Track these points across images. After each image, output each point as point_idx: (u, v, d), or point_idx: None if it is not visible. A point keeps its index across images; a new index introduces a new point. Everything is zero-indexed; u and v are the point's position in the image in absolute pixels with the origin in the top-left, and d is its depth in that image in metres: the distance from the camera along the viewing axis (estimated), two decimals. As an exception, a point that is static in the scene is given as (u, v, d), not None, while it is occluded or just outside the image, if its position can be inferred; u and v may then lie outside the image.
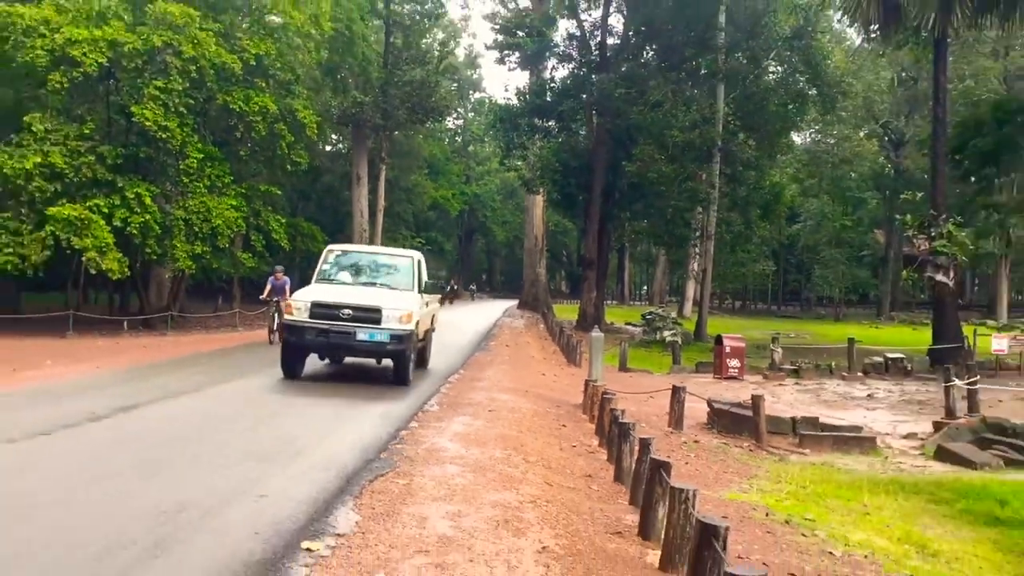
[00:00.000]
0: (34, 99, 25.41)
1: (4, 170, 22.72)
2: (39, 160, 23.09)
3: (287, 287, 22.96)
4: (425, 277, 16.21)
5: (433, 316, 18.01)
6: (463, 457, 8.97)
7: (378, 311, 13.64)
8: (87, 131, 24.71)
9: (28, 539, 5.71)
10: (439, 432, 10.41)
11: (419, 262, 16.15)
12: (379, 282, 15.27)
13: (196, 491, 7.04)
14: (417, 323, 14.40)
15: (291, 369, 14.68)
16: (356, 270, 15.69)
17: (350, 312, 13.64)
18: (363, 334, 13.62)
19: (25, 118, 23.99)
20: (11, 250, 22.61)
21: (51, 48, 23.39)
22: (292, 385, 14.09)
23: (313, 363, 16.15)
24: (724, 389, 20.46)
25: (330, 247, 16.29)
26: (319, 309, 13.73)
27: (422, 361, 17.23)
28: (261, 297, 24.20)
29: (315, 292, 14.36)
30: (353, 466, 8.35)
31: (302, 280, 26.22)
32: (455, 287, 65.96)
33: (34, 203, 23.32)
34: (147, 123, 24.32)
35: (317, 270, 15.53)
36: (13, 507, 6.43)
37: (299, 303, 13.96)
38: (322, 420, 10.88)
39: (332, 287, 14.81)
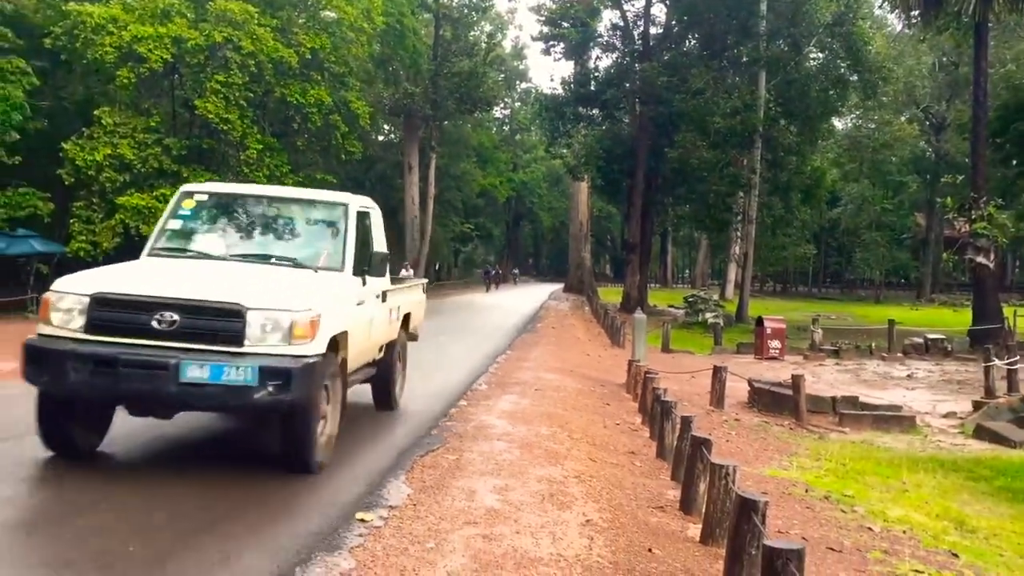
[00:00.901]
0: (103, 94, 25.90)
1: (76, 161, 23.24)
2: (109, 152, 23.57)
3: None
4: (379, 245, 8.83)
5: (406, 318, 10.42)
6: (510, 434, 9.01)
7: (234, 314, 6.36)
8: (153, 124, 25.15)
9: None
10: (487, 410, 10.46)
11: (359, 216, 8.33)
12: (275, 255, 7.76)
13: (250, 459, 7.15)
14: (340, 339, 7.16)
15: (57, 440, 6.86)
16: (237, 230, 8.14)
17: (173, 318, 6.30)
18: (196, 368, 6.17)
19: (95, 112, 24.49)
20: (84, 237, 23.17)
21: (119, 45, 23.80)
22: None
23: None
24: (765, 369, 20.27)
25: (185, 188, 8.39)
26: (106, 313, 6.36)
27: (384, 397, 9.89)
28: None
29: (111, 276, 6.91)
30: (405, 442, 8.43)
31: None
32: (499, 272, 65.86)
33: (105, 193, 23.82)
34: (209, 116, 24.68)
35: (156, 230, 8.08)
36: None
37: (64, 298, 6.48)
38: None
39: (164, 265, 7.43)
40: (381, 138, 57.69)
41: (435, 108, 45.45)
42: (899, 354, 25.34)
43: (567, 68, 78.00)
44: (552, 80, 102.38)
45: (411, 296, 10.99)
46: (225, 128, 25.07)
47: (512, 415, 10.19)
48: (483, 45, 49.95)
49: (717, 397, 14.05)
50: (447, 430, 9.05)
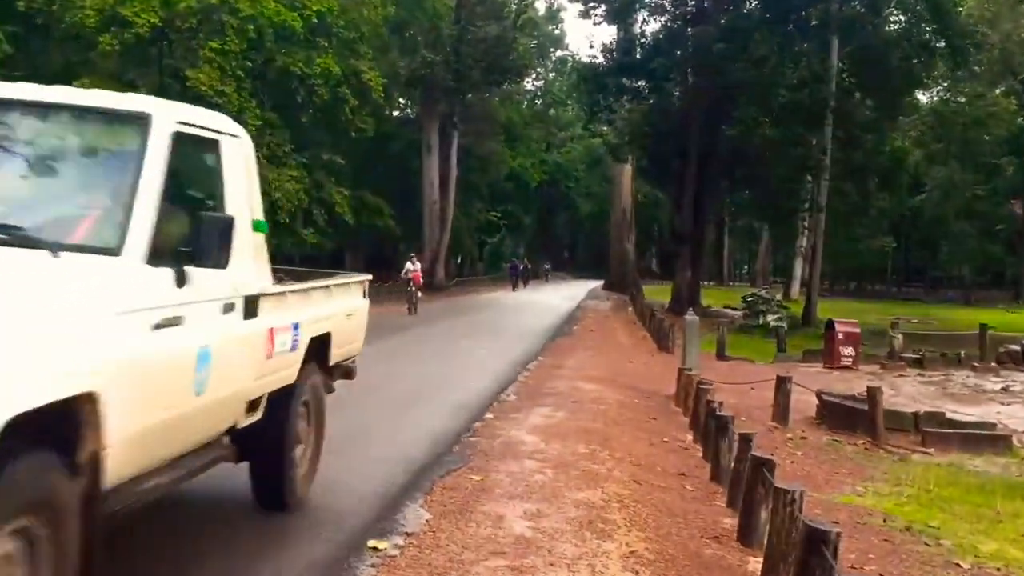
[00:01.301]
0: (84, 63, 26.15)
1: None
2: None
3: (418, 264, 29.70)
4: (237, 206, 5.38)
5: (319, 344, 6.71)
6: (543, 452, 9.01)
7: None
8: (139, 97, 25.40)
9: None
10: (516, 424, 10.47)
11: (179, 143, 4.60)
12: None
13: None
14: (80, 417, 3.70)
15: None
16: None
17: None
18: None
19: (74, 84, 24.72)
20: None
21: (101, 8, 24.04)
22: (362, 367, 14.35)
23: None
24: (836, 380, 20.12)
25: None
26: None
27: (269, 488, 6.24)
28: (402, 275, 29.69)
29: None
30: (423, 459, 8.46)
31: (368, 264, 26.90)
32: (527, 267, 65.71)
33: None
34: (202, 88, 24.87)
35: None
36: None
37: None
38: (388, 408, 11.04)
39: None
40: (396, 114, 57.92)
41: (458, 79, 45.55)
42: (992, 364, 25.03)
43: (609, 33, 77.94)
44: (592, 47, 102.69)
45: (330, 304, 7.05)
46: (220, 102, 25.24)
47: (545, 430, 10.19)
48: (513, 7, 50.03)
49: (781, 412, 13.96)
50: (471, 447, 9.06)
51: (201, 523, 6.15)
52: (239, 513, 6.31)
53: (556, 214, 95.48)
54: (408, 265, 29.74)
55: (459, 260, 79.81)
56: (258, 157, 21.96)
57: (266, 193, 26.48)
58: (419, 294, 29.22)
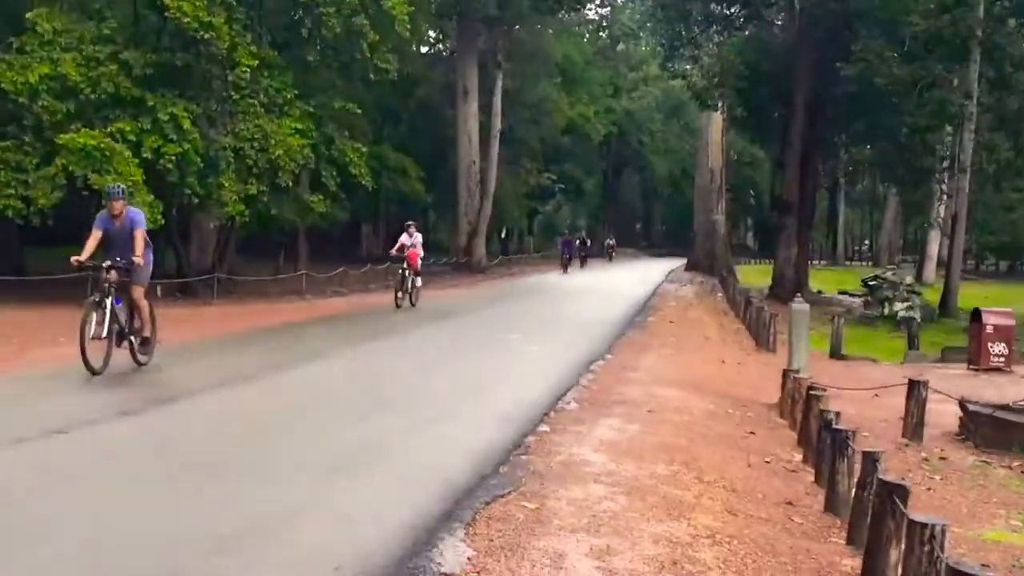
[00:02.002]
0: (43, -9, 26.37)
1: (2, 84, 23.70)
2: (46, 71, 24.05)
3: (418, 241, 26.94)
4: None
5: None
6: (612, 473, 9.01)
7: None
8: (107, 31, 25.61)
9: None
10: (579, 439, 10.48)
11: None
12: None
13: (258, 507, 7.29)
14: None
15: None
16: None
17: None
18: None
19: (28, 15, 24.94)
20: (12, 191, 23.63)
21: (61, -78, 24.28)
22: (384, 371, 14.45)
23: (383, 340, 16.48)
24: (984, 385, 19.86)
25: None
26: None
27: None
28: (392, 252, 27.48)
29: None
30: (463, 481, 8.49)
31: (389, 236, 27.14)
32: (586, 242, 65.40)
33: (41, 128, 24.31)
34: (185, 20, 25.04)
35: None
36: (20, 531, 6.78)
37: None
38: (414, 419, 11.11)
39: None
40: (426, 50, 58.11)
41: (501, 6, 45.55)
42: None
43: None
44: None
45: None
46: (207, 37, 25.44)
47: (615, 447, 10.20)
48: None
49: (913, 425, 13.82)
50: (523, 467, 9.08)
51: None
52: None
53: (625, 176, 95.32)
54: (403, 238, 27.15)
55: (503, 234, 79.98)
56: (253, 104, 21.89)
57: (263, 150, 26.72)
58: (417, 280, 27.17)
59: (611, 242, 78.49)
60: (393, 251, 27.44)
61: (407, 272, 26.58)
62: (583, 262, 59.59)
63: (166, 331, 19.88)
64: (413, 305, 26.51)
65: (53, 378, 12.99)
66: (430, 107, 56.27)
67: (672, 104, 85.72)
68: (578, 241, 61.91)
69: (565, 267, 54.26)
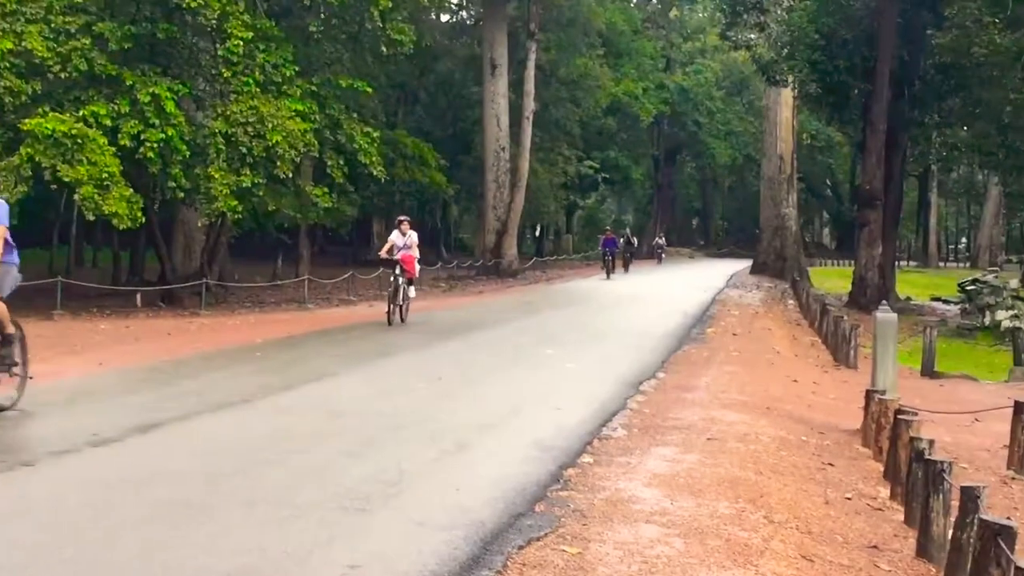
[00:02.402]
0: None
1: (-42, 62, 23.87)
2: (9, 46, 24.21)
3: (412, 241, 25.57)
4: None
5: None
6: (666, 512, 8.97)
7: None
8: (79, 0, 25.71)
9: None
10: (627, 471, 10.44)
11: None
12: None
13: (248, 556, 7.28)
14: None
15: None
16: None
17: None
18: None
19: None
20: (-29, 184, 23.78)
21: None
22: (399, 393, 14.47)
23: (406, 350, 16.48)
24: (1103, 409, 19.72)
25: None
26: None
27: None
28: (381, 254, 26.23)
29: None
30: (492, 523, 8.46)
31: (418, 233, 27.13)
32: (631, 240, 65.41)
33: (3, 112, 24.46)
34: (168, -16, 25.16)
35: None
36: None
37: None
38: (439, 451, 11.09)
39: None
40: (447, 19, 58.19)
41: (535, -33, 45.56)
42: None
43: None
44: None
45: None
46: (193, 5, 25.55)
47: (670, 481, 10.15)
48: None
49: (1021, 455, 13.71)
50: (562, 505, 9.05)
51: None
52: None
53: (679, 164, 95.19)
54: (394, 237, 25.99)
55: (537, 232, 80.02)
56: (247, 82, 22.06)
57: (259, 136, 26.79)
58: (410, 291, 25.74)
59: (660, 241, 78.46)
60: (382, 252, 26.21)
61: (401, 280, 25.15)
62: (626, 265, 59.61)
63: (147, 345, 20.00)
64: (403, 321, 25.25)
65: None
66: (452, 85, 56.44)
67: (734, 80, 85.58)
68: (622, 240, 61.72)
69: (608, 270, 54.12)
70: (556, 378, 17.36)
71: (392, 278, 25.22)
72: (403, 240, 25.44)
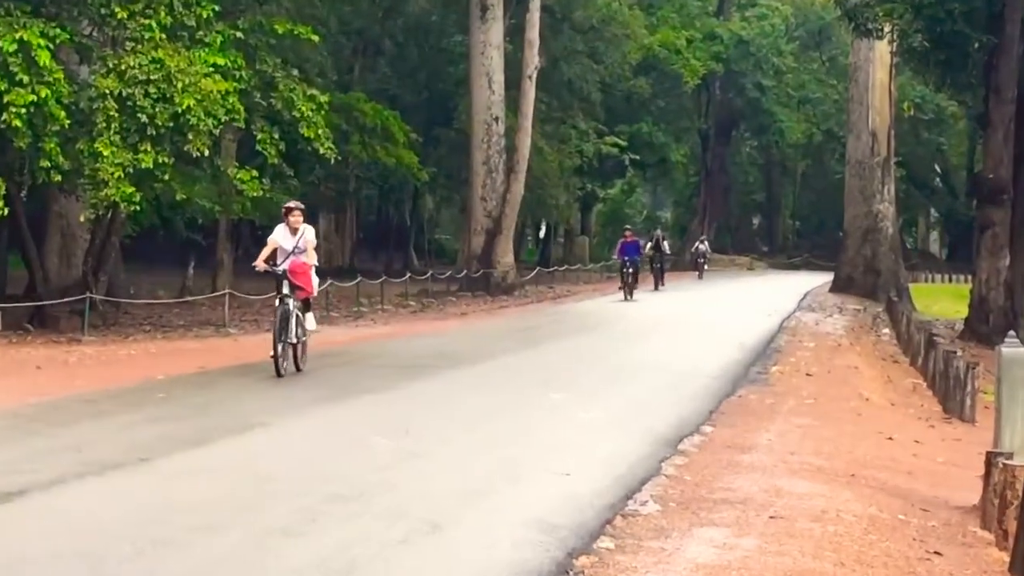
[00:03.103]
0: None
1: None
2: None
3: (306, 240, 21.92)
4: None
5: None
6: (713, 619, 8.94)
7: None
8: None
9: None
10: (661, 561, 10.40)
11: None
12: None
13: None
14: None
15: None
16: None
17: None
18: None
19: None
20: None
21: None
22: (352, 449, 14.43)
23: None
24: None
25: None
26: None
27: None
28: (258, 265, 22.48)
29: None
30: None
31: (360, 234, 26.90)
32: (662, 247, 61.33)
33: None
34: None
35: None
36: None
37: None
38: (406, 529, 11.04)
39: None
40: (420, -59, 58.29)
41: None
42: None
43: None
44: None
45: None
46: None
47: (718, 575, 10.11)
48: None
49: None
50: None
51: None
52: None
53: (735, 142, 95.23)
54: (278, 234, 22.55)
55: (542, 232, 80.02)
56: (150, 29, 22.23)
57: (164, 99, 26.77)
58: (308, 321, 22.61)
59: (702, 247, 77.05)
60: (259, 261, 22.49)
61: (291, 304, 21.98)
62: (659, 278, 59.24)
63: (9, 382, 19.92)
64: (298, 368, 22.55)
65: None
66: (427, 32, 56.56)
67: (810, 29, 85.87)
68: (649, 245, 60.11)
69: (627, 288, 51.65)
70: (565, 432, 17.32)
71: (278, 301, 22.15)
72: (292, 240, 21.90)
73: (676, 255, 74.96)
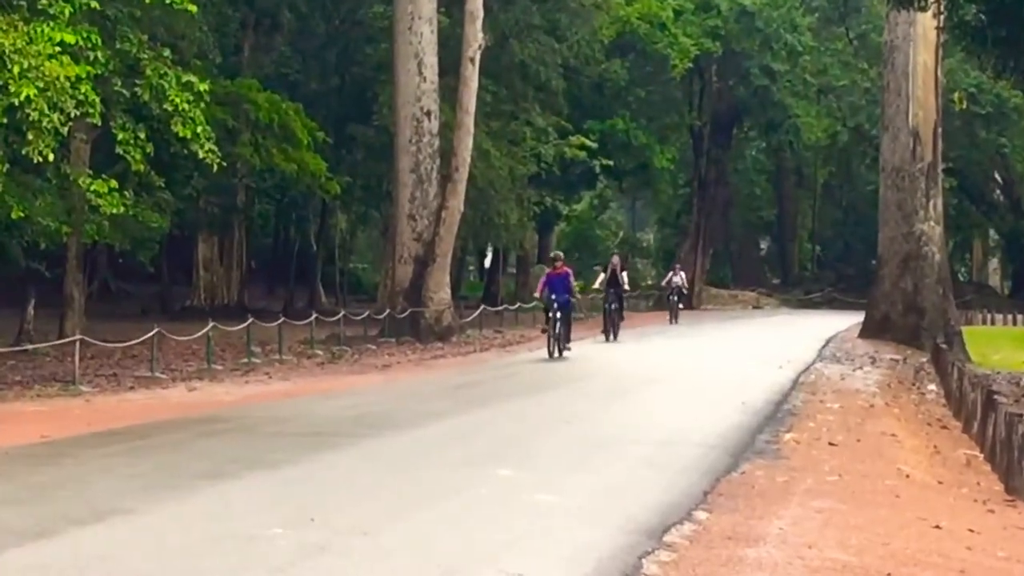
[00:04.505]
0: None
1: None
2: None
3: None
4: None
5: None
6: None
7: None
8: None
9: None
10: None
11: None
12: None
13: None
14: None
15: None
16: None
17: None
18: None
19: None
20: None
21: None
22: (247, 533, 14.44)
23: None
24: None
25: None
26: None
27: None
28: None
29: None
30: None
31: (251, 264, 26.78)
32: (620, 282, 57.66)
33: None
34: None
35: None
36: None
37: None
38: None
39: None
40: None
41: None
42: None
43: None
44: None
45: None
46: None
47: None
48: None
49: None
50: None
51: None
52: None
53: (738, 144, 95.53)
54: None
55: (487, 260, 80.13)
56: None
57: (-1, 88, 26.81)
58: None
59: (677, 279, 75.63)
60: None
61: None
62: (616, 325, 56.23)
63: None
64: None
65: None
66: (339, 1, 56.67)
67: (833, 2, 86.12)
68: (602, 278, 58.51)
69: (552, 341, 47.70)
70: (517, 520, 17.28)
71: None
72: None
73: (655, 289, 74.78)
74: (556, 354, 47.50)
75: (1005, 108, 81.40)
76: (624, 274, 60.53)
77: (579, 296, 55.58)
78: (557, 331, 48.02)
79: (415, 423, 27.10)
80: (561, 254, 53.86)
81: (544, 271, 56.89)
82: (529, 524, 16.89)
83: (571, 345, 48.27)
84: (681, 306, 72.57)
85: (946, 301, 57.90)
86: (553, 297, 48.30)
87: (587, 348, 50.34)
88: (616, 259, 61.33)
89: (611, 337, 55.58)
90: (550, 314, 48.26)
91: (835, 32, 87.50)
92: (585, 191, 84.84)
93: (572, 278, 51.45)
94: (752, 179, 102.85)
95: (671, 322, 68.93)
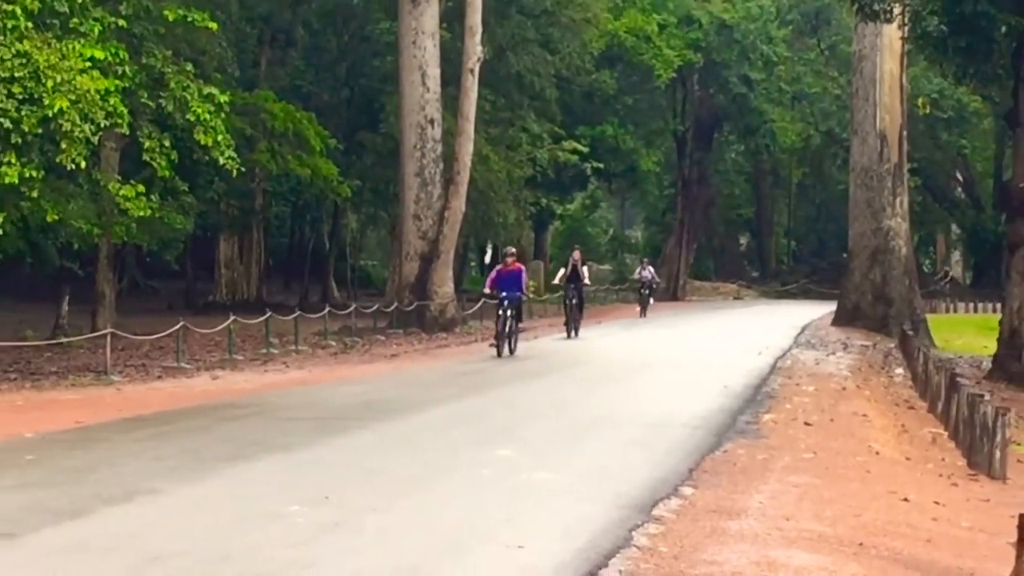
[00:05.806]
0: None
1: None
2: None
3: None
4: None
5: None
6: None
7: None
8: None
9: None
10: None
11: None
12: None
13: None
14: None
15: None
16: None
17: None
18: None
19: None
20: None
21: None
22: (267, 511, 14.40)
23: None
24: None
25: None
26: None
27: None
28: None
29: None
30: None
31: (270, 260, 26.69)
32: (580, 277, 54.18)
33: None
34: None
35: None
36: None
37: None
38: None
39: None
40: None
41: None
42: None
43: None
44: None
45: None
46: None
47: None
48: None
49: None
50: None
51: None
52: None
53: (718, 147, 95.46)
54: None
55: (487, 257, 80.00)
56: (13, 15, 22.27)
57: (31, 100, 26.77)
58: None
59: (646, 273, 73.05)
60: None
61: None
62: (576, 320, 53.25)
63: None
64: None
65: None
66: (348, 18, 56.61)
67: (806, 11, 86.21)
68: (562, 271, 55.62)
69: (500, 340, 43.66)
70: (516, 497, 17.28)
71: None
72: None
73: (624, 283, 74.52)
74: (504, 353, 43.47)
75: (965, 112, 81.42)
76: (585, 268, 56.85)
77: (531, 295, 54.06)
78: (508, 328, 44.17)
79: (421, 408, 27.06)
80: (514, 250, 48.49)
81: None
82: (527, 500, 16.88)
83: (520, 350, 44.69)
84: (652, 300, 71.55)
85: (912, 291, 57.84)
86: (504, 294, 44.42)
87: (574, 341, 50.20)
88: (577, 254, 56.68)
89: (572, 334, 52.58)
90: (499, 311, 44.37)
91: (807, 43, 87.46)
92: (577, 192, 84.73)
93: (525, 275, 48.01)
94: (732, 180, 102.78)
95: (641, 315, 67.83)
